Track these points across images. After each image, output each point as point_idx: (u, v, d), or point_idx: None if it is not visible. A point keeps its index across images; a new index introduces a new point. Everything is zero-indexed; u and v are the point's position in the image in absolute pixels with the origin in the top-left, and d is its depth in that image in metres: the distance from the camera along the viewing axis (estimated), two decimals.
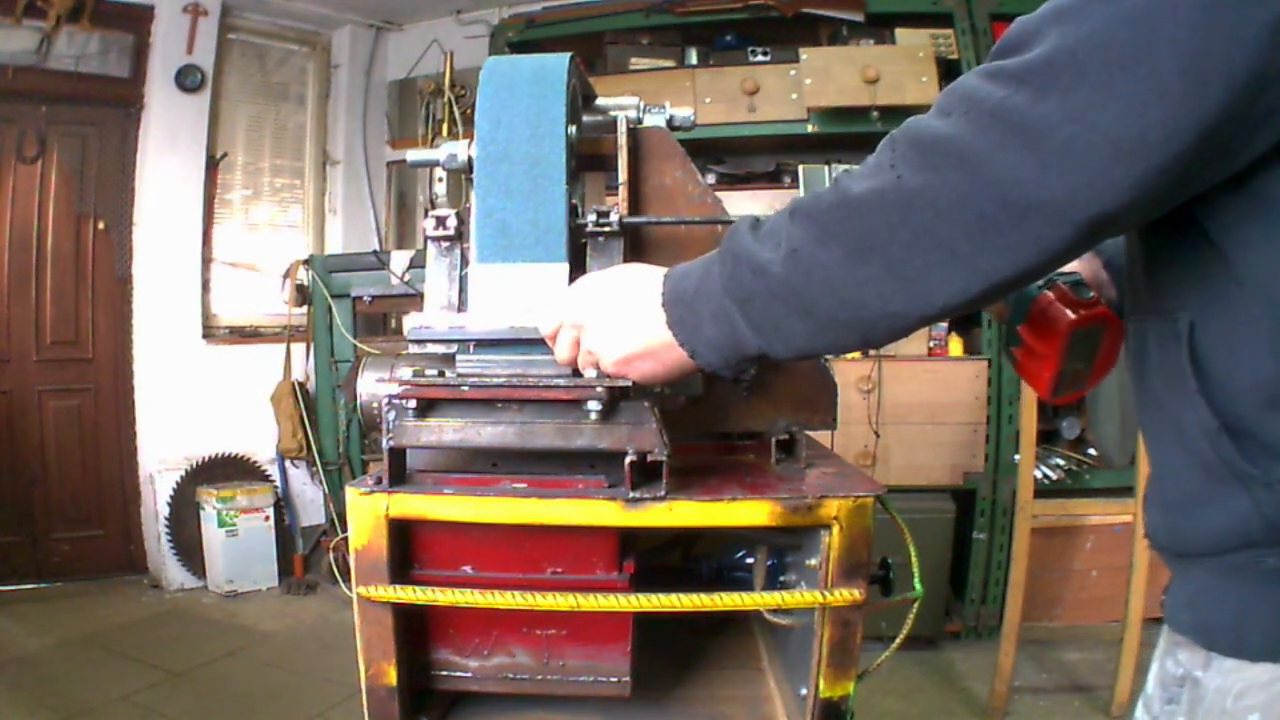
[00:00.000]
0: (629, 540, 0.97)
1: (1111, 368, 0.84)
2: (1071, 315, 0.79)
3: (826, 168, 3.76)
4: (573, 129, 0.97)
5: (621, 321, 0.81)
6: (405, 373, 0.94)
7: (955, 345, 3.67)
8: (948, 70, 3.63)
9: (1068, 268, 0.88)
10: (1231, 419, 0.68)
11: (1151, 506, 0.80)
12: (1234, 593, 0.71)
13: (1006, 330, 0.86)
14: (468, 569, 0.96)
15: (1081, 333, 0.80)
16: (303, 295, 4.57)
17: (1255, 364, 0.66)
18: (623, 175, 1.07)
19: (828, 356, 1.02)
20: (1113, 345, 0.82)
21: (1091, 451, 3.57)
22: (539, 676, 1.01)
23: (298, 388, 4.52)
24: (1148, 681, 0.84)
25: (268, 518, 4.36)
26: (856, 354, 3.64)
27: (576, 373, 0.90)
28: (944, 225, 0.62)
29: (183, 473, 4.37)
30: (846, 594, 0.90)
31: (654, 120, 1.13)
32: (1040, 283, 0.83)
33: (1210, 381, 0.69)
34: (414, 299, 3.89)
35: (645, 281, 0.81)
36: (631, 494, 0.87)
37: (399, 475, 0.91)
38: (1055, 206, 0.59)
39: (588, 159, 1.11)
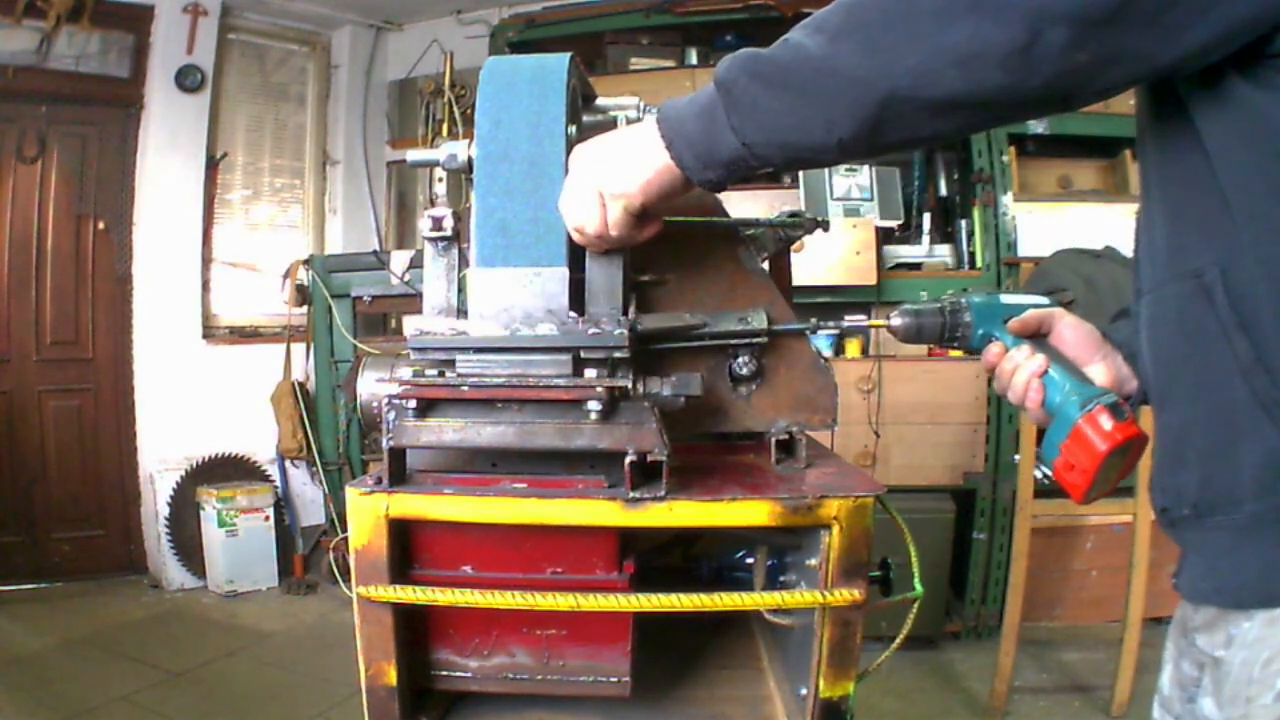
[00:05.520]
0: (629, 540, 0.97)
1: (1132, 469, 0.92)
2: (1105, 446, 0.86)
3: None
4: (573, 129, 0.97)
5: (624, 148, 0.87)
6: (405, 373, 0.94)
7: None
8: None
9: (1099, 382, 0.92)
10: (1267, 354, 0.70)
11: (1172, 467, 0.81)
12: (1257, 547, 0.72)
13: (1046, 445, 0.92)
14: (468, 569, 0.96)
15: (1117, 452, 0.86)
16: (303, 295, 4.57)
17: None
18: None
19: (824, 354, 1.02)
20: (1137, 453, 0.89)
21: None
22: (539, 676, 1.01)
23: (298, 388, 4.52)
24: (1163, 684, 0.85)
25: (268, 518, 4.36)
26: (857, 353, 3.64)
27: (578, 372, 0.90)
28: (916, 10, 0.69)
29: (183, 473, 4.37)
30: (846, 594, 0.90)
31: None
32: (1080, 403, 0.88)
33: (1246, 318, 0.71)
34: (414, 299, 3.89)
35: (646, 119, 0.88)
36: (631, 494, 0.87)
37: (399, 475, 0.91)
38: None
39: None
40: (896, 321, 1.02)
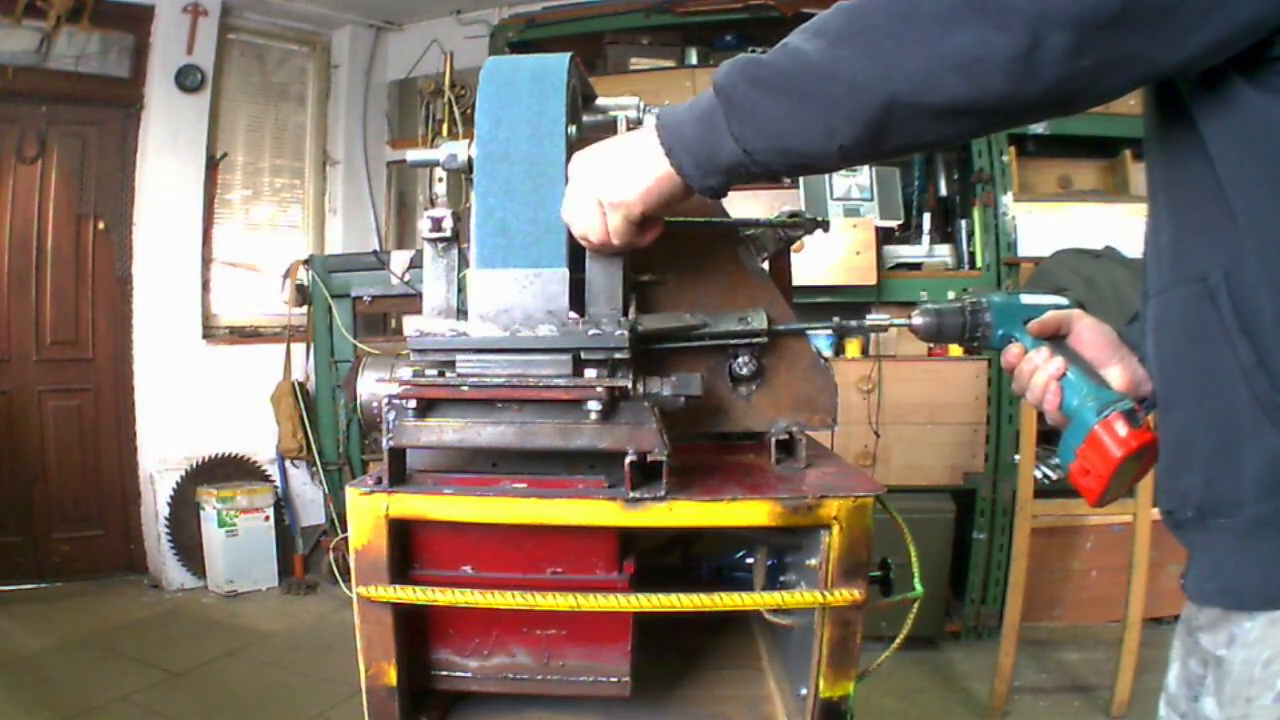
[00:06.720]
0: (629, 540, 0.97)
1: (1147, 473, 0.93)
2: (1119, 453, 0.87)
3: None
4: (573, 129, 0.97)
5: (623, 156, 0.86)
6: (405, 373, 0.94)
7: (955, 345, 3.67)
8: None
9: (1115, 385, 0.93)
10: (1269, 358, 0.70)
11: (1176, 470, 0.81)
12: (1259, 549, 0.73)
13: (1062, 448, 0.93)
14: (468, 569, 0.96)
15: (1131, 458, 0.87)
16: (303, 295, 4.57)
17: None
18: None
19: (824, 354, 1.02)
20: (1151, 458, 0.90)
21: None
22: (539, 676, 1.01)
23: (298, 388, 4.52)
24: (1169, 682, 0.85)
25: (268, 518, 4.36)
26: (857, 353, 3.64)
27: (578, 372, 0.90)
28: (918, 15, 0.69)
29: (183, 473, 4.37)
30: (846, 594, 0.90)
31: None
32: (1096, 409, 0.89)
33: (1248, 322, 0.72)
34: (414, 299, 3.89)
35: (644, 127, 0.87)
36: (631, 494, 0.87)
37: (399, 475, 0.91)
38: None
39: None
40: (918, 320, 1.02)
